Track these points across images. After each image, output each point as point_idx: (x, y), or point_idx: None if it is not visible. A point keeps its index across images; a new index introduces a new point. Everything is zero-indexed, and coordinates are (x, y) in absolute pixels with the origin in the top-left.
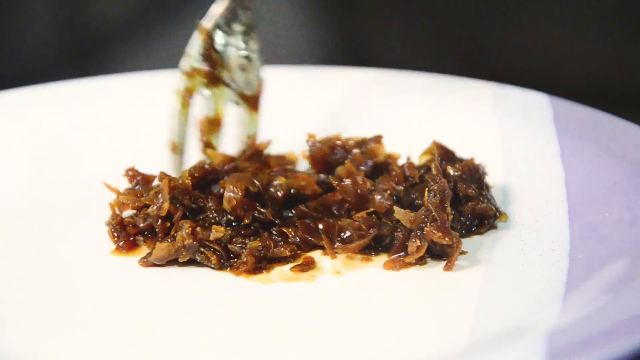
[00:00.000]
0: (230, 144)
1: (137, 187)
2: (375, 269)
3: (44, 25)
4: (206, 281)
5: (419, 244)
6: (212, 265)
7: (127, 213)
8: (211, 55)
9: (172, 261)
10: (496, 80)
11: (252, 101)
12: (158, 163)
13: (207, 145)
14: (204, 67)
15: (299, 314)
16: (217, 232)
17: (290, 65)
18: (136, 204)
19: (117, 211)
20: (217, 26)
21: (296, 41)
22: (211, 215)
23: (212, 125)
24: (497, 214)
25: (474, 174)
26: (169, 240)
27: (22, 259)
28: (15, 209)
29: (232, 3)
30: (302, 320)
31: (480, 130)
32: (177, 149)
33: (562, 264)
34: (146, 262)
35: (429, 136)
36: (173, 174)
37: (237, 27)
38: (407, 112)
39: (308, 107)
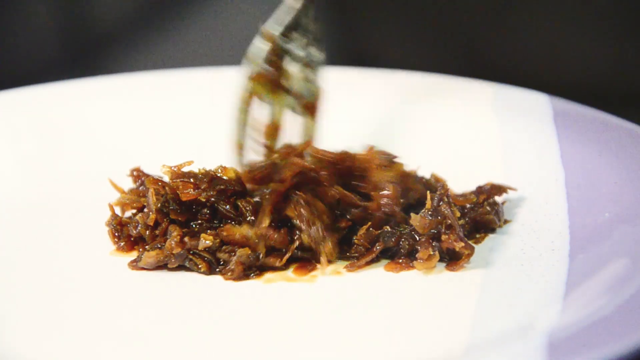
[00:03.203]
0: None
1: (140, 188)
2: (375, 270)
3: (44, 25)
4: (207, 281)
5: (430, 252)
6: (202, 272)
7: (129, 213)
8: (276, 61)
9: (162, 265)
10: (496, 80)
11: (310, 108)
12: (158, 163)
13: (269, 148)
14: (267, 72)
15: (299, 314)
16: (206, 240)
17: None
18: (135, 204)
19: (118, 211)
20: (282, 33)
21: None
22: (204, 224)
23: (272, 129)
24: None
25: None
26: (158, 247)
27: (22, 259)
28: (15, 209)
29: (297, 10)
30: (302, 321)
31: (480, 130)
32: (241, 149)
33: (562, 264)
34: (135, 266)
35: (429, 136)
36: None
37: (301, 35)
38: (407, 112)
39: None
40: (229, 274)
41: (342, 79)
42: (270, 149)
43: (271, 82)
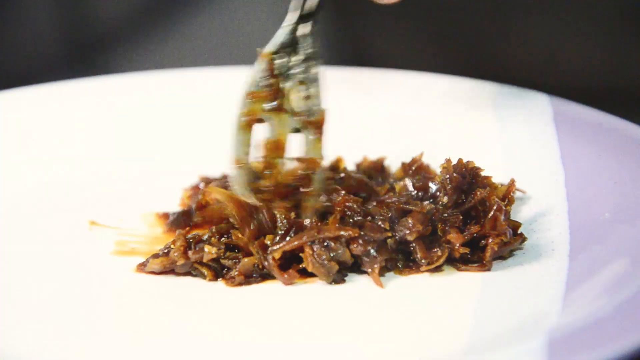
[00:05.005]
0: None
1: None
2: None
3: (44, 25)
4: (209, 281)
5: (439, 253)
6: (208, 280)
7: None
8: (273, 83)
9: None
10: (496, 80)
11: (315, 127)
12: (157, 163)
13: (270, 166)
14: (264, 90)
15: (299, 315)
16: (210, 252)
17: None
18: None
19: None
20: (279, 52)
21: None
22: (213, 238)
23: (275, 149)
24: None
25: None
26: (164, 252)
27: (22, 259)
28: (15, 209)
29: (290, 28)
30: (303, 321)
31: (480, 130)
32: (242, 165)
33: (562, 264)
34: (142, 270)
35: (429, 136)
36: (237, 189)
37: (299, 54)
38: (407, 112)
39: None
40: (230, 281)
41: (342, 79)
42: (272, 166)
43: (269, 100)
